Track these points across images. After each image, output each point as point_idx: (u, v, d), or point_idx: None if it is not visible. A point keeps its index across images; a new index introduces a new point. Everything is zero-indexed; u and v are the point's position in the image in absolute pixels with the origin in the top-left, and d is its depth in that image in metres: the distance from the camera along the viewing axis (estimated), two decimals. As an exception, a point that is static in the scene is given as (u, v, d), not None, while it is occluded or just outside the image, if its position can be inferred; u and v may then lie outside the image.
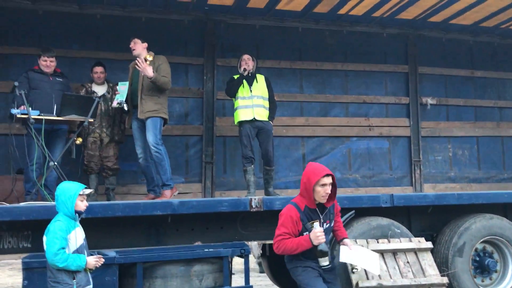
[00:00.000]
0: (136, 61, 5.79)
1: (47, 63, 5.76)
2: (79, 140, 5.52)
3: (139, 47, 5.96)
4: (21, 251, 4.53)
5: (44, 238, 3.65)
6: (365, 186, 7.62)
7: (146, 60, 5.82)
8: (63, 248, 3.55)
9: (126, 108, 5.80)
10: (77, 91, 6.03)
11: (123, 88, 5.86)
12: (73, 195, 3.66)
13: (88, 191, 3.77)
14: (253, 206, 4.78)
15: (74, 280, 3.57)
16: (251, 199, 4.79)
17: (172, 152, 6.96)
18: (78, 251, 3.64)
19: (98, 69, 6.17)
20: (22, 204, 4.56)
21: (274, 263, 6.81)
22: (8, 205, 4.41)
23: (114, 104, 5.83)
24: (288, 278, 6.73)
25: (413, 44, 8.06)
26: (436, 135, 8.06)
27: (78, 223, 3.74)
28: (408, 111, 7.96)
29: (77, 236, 3.68)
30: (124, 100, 5.79)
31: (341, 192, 7.17)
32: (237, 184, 7.19)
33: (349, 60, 7.84)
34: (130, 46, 6.00)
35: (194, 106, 7.19)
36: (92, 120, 5.38)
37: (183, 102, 7.15)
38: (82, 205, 3.72)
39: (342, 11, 7.22)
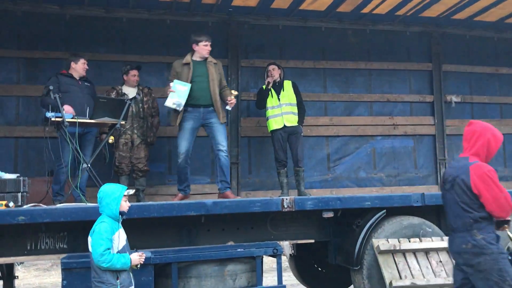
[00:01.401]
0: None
1: (85, 66, 5.88)
2: (111, 139, 5.60)
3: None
4: (57, 251, 4.60)
5: (89, 239, 3.71)
6: (390, 185, 7.60)
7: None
8: (109, 248, 3.61)
9: (179, 109, 5.75)
10: (108, 93, 6.11)
11: (181, 89, 5.72)
12: (119, 196, 3.73)
13: (131, 192, 3.85)
14: (285, 206, 4.80)
15: (118, 280, 3.64)
16: (283, 199, 4.82)
17: (198, 153, 7.02)
18: (120, 252, 3.71)
19: (135, 72, 6.25)
20: (59, 205, 4.63)
21: (301, 262, 6.83)
22: (46, 206, 4.49)
23: (169, 104, 5.71)
24: (314, 277, 6.83)
25: (437, 42, 8.01)
26: (461, 133, 7.89)
27: (120, 224, 3.80)
28: (433, 109, 7.92)
29: (120, 237, 3.75)
30: (183, 103, 5.73)
31: (366, 192, 7.26)
32: (262, 184, 7.23)
33: (373, 59, 7.82)
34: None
35: (219, 107, 7.22)
36: (123, 122, 5.44)
37: (207, 103, 7.19)
38: (126, 206, 3.80)
39: (366, 10, 7.20)
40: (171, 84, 5.76)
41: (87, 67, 5.89)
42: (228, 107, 5.99)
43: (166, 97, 6.87)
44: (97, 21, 6.80)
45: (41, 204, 4.63)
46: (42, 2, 6.49)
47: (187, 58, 5.96)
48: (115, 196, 3.73)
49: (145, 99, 6.26)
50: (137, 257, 3.77)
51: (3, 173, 4.66)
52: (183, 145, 5.86)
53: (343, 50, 7.70)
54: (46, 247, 4.59)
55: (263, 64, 7.37)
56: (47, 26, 6.65)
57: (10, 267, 5.71)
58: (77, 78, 5.82)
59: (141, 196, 6.12)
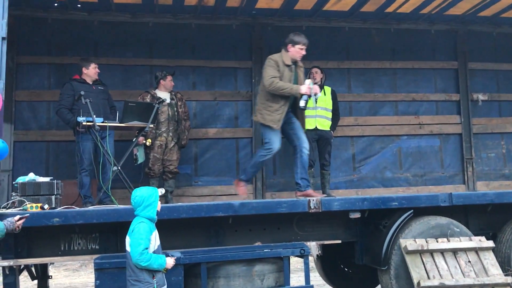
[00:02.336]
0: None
1: (97, 70, 6.00)
2: (148, 142, 5.71)
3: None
4: (89, 252, 4.73)
5: (128, 239, 3.81)
6: (417, 185, 7.55)
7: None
8: (147, 248, 3.71)
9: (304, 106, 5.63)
10: (143, 97, 6.24)
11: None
12: (156, 199, 3.84)
13: (163, 191, 3.97)
14: (312, 207, 4.82)
15: (154, 279, 3.74)
16: (309, 200, 4.84)
17: (223, 154, 7.14)
18: (156, 252, 3.80)
19: (171, 77, 6.42)
20: (91, 207, 4.77)
21: (327, 263, 6.84)
22: (79, 208, 4.62)
23: (302, 104, 5.56)
24: (341, 278, 6.82)
25: (462, 39, 7.92)
26: (489, 131, 7.90)
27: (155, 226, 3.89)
28: (459, 108, 7.84)
29: (156, 238, 3.85)
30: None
31: (392, 192, 7.22)
32: (287, 185, 7.26)
33: (397, 58, 7.79)
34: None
35: (243, 109, 7.31)
36: (152, 125, 5.56)
37: (232, 105, 7.29)
38: (159, 207, 3.90)
39: (390, 9, 7.18)
40: (307, 81, 5.57)
41: (98, 71, 6.01)
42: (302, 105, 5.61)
43: (195, 101, 7.03)
44: (124, 26, 6.96)
45: (74, 206, 4.77)
46: (71, 9, 6.67)
47: (285, 59, 5.61)
48: (153, 200, 3.84)
49: (179, 103, 6.39)
50: (171, 261, 3.86)
51: (37, 177, 4.81)
52: (278, 143, 5.66)
53: (367, 50, 7.69)
54: (79, 248, 4.72)
55: (287, 65, 7.42)
56: (76, 33, 6.83)
57: (44, 267, 5.87)
58: (90, 83, 5.94)
59: (169, 197, 6.24)
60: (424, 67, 7.83)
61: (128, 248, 3.77)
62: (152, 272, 3.74)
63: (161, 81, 6.37)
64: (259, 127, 7.18)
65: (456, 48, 7.93)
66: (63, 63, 6.79)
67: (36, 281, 5.82)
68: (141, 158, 5.70)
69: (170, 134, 6.28)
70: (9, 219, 3.72)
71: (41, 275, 5.82)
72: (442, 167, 7.72)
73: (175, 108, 6.35)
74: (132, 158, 5.71)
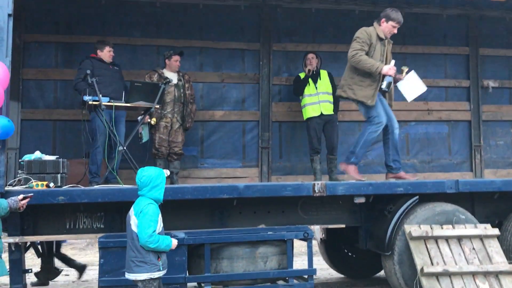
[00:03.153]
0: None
1: (111, 53, 6.01)
2: (153, 121, 5.71)
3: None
4: (94, 231, 4.79)
5: (134, 219, 3.75)
6: (423, 171, 7.50)
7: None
8: (155, 230, 3.70)
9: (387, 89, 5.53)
10: (150, 76, 6.21)
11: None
12: (164, 180, 3.83)
13: (168, 172, 3.96)
14: (316, 191, 4.82)
15: (159, 261, 3.74)
16: (314, 183, 4.85)
17: (229, 137, 7.12)
18: (160, 234, 3.79)
19: (178, 57, 6.35)
20: (97, 186, 4.79)
21: (331, 247, 6.86)
22: (84, 187, 4.65)
23: (384, 86, 5.45)
24: (344, 262, 6.84)
25: (474, 25, 7.77)
26: (498, 119, 7.80)
27: None
28: (469, 94, 7.73)
29: (160, 219, 3.84)
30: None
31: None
32: (293, 169, 7.24)
33: (407, 42, 7.64)
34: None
35: (251, 92, 7.25)
36: (158, 106, 5.54)
37: (239, 87, 7.22)
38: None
39: (400, -8, 7.06)
40: (393, 61, 5.49)
41: (112, 54, 6.01)
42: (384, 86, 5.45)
43: (202, 82, 6.98)
44: (131, 5, 6.87)
45: (79, 185, 4.79)
46: (78, -13, 6.61)
47: (379, 33, 5.49)
48: (161, 181, 3.82)
49: (186, 85, 6.35)
50: (175, 242, 3.87)
51: (43, 155, 4.83)
52: (384, 115, 5.54)
53: (377, 34, 7.56)
54: (84, 227, 4.77)
55: (296, 48, 7.36)
56: (84, 11, 6.76)
57: (50, 245, 5.94)
58: (108, 63, 5.95)
59: (174, 178, 6.24)
60: (435, 52, 7.71)
61: (134, 228, 3.73)
62: (158, 253, 3.74)
63: (166, 60, 6.34)
64: (266, 110, 7.17)
65: (467, 33, 7.79)
66: (70, 42, 6.74)
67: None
68: (145, 137, 5.69)
69: (175, 115, 6.25)
70: (13, 198, 3.74)
71: (47, 253, 5.90)
72: (449, 154, 7.65)
73: (182, 90, 6.30)
74: (137, 137, 5.70)
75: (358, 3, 7.39)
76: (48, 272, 5.98)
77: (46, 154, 5.00)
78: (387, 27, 5.48)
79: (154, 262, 3.73)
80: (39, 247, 5.89)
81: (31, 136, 6.50)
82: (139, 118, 5.69)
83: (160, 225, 3.82)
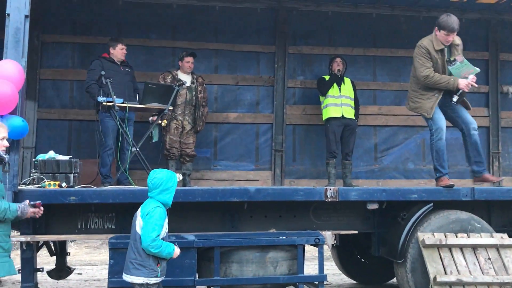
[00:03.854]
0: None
1: (124, 51, 5.99)
2: (164, 122, 5.73)
3: None
4: (106, 231, 4.80)
5: (140, 220, 3.72)
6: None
7: None
8: (159, 235, 3.65)
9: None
10: (164, 77, 6.22)
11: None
12: (175, 184, 3.79)
13: (181, 177, 3.92)
14: (328, 196, 4.77)
15: (159, 267, 3.68)
16: (326, 189, 4.79)
17: (243, 139, 7.10)
18: (163, 239, 3.75)
19: (190, 59, 6.33)
20: (108, 187, 4.81)
21: (344, 253, 6.79)
22: (96, 188, 4.67)
23: (455, 100, 5.29)
24: (356, 268, 6.77)
25: (494, 29, 7.63)
26: (517, 125, 7.64)
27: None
28: (487, 100, 7.59)
29: (166, 224, 3.81)
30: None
31: (414, 184, 7.08)
32: (306, 172, 7.20)
33: (425, 46, 7.55)
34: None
35: (265, 94, 7.23)
36: (171, 108, 5.54)
37: (254, 90, 7.21)
38: None
39: (419, -4, 6.96)
40: (471, 76, 5.23)
41: (125, 52, 5.99)
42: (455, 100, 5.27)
43: (216, 84, 6.97)
44: (148, 7, 6.91)
45: (91, 186, 4.81)
46: (96, -11, 6.67)
47: (436, 44, 5.21)
48: (172, 184, 3.77)
49: (199, 88, 6.34)
50: (178, 251, 3.81)
51: (56, 155, 4.86)
52: (441, 119, 5.37)
53: (394, 38, 7.48)
54: (95, 227, 4.79)
55: (311, 51, 7.33)
56: (101, 12, 6.83)
57: (62, 244, 5.98)
58: (118, 63, 5.94)
59: (187, 180, 6.25)
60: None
61: (138, 230, 3.71)
62: (158, 259, 3.69)
63: (179, 62, 6.35)
64: (280, 112, 7.14)
65: (487, 38, 7.66)
66: (87, 43, 6.80)
67: (54, 257, 5.94)
68: (155, 137, 5.70)
69: (186, 117, 6.24)
70: (25, 205, 3.66)
71: (60, 251, 5.94)
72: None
73: (194, 93, 6.29)
74: (149, 138, 5.72)
75: (375, 6, 7.31)
76: (60, 271, 6.01)
77: (61, 154, 5.05)
78: (441, 36, 5.17)
79: (153, 268, 3.67)
80: (52, 245, 5.93)
81: (47, 136, 6.58)
82: (150, 119, 5.71)
83: (165, 230, 3.78)
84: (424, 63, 5.21)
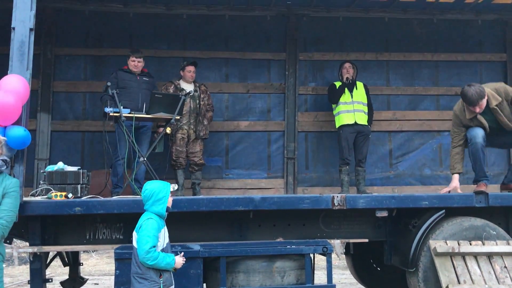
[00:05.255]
0: None
1: (135, 63, 6.04)
2: (168, 130, 5.76)
3: None
4: (114, 242, 4.79)
5: (135, 235, 3.72)
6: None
7: None
8: (154, 246, 3.60)
9: None
10: (166, 87, 6.27)
11: None
12: (167, 195, 3.73)
13: (175, 187, 3.88)
14: (336, 204, 4.67)
15: (161, 279, 3.63)
16: (333, 196, 4.69)
17: (254, 147, 7.08)
18: (164, 250, 3.71)
19: (191, 68, 6.34)
20: (114, 197, 4.82)
21: (358, 261, 6.64)
22: (101, 198, 4.68)
23: None
24: (372, 277, 6.61)
25: (512, 30, 7.44)
26: (538, 128, 7.37)
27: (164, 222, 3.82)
28: (507, 103, 7.37)
29: (165, 235, 3.76)
30: None
31: (431, 190, 6.91)
32: (320, 180, 7.12)
33: (440, 50, 7.41)
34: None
35: (276, 102, 7.20)
36: (178, 117, 5.55)
37: (265, 97, 7.19)
38: (170, 202, 3.81)
39: (432, -2, 6.82)
40: None
41: (137, 64, 6.03)
42: None
43: (227, 93, 6.96)
44: (158, 18, 6.98)
45: (98, 196, 4.83)
46: (107, 1, 6.76)
47: (469, 112, 5.10)
48: (163, 195, 3.73)
49: (202, 96, 6.35)
50: (181, 260, 3.75)
51: (65, 166, 4.91)
52: (476, 129, 5.17)
53: (407, 41, 7.37)
54: (103, 237, 4.79)
55: (322, 57, 7.27)
56: (112, 24, 6.93)
57: (75, 255, 6.03)
58: (136, 74, 6.00)
59: (197, 189, 6.24)
60: (469, 59, 7.41)
61: (135, 244, 3.69)
62: (160, 271, 3.64)
63: (181, 71, 6.37)
64: (292, 120, 7.08)
65: (505, 39, 7.46)
66: (99, 55, 6.91)
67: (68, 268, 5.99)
68: (159, 148, 5.72)
69: (191, 126, 6.25)
70: None
71: (73, 262, 5.98)
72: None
73: (197, 101, 6.30)
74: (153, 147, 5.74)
75: (387, 11, 7.21)
76: (73, 281, 6.05)
77: (75, 165, 5.08)
78: (466, 107, 5.09)
79: (155, 279, 3.62)
80: (65, 256, 5.98)
81: (61, 147, 6.69)
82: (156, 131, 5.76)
83: (164, 241, 3.74)
84: (453, 133, 5.31)
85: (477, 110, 5.01)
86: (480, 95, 4.93)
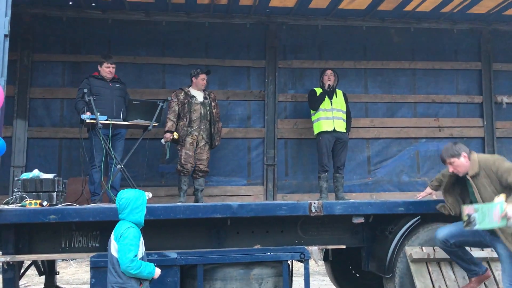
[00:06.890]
0: None
1: (110, 70, 5.97)
2: (175, 135, 5.73)
3: None
4: (90, 250, 4.74)
5: (114, 243, 3.66)
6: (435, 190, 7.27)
7: None
8: (136, 255, 3.58)
9: None
10: (176, 94, 6.21)
11: None
12: (144, 202, 3.71)
13: (150, 195, 3.86)
14: (313, 211, 4.69)
15: (142, 287, 3.62)
16: (310, 203, 4.71)
17: (234, 154, 7.08)
18: (142, 259, 3.68)
19: (205, 76, 6.34)
20: (90, 205, 4.77)
21: (337, 267, 6.67)
22: (77, 206, 4.63)
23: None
24: (350, 283, 6.64)
25: (486, 39, 7.60)
26: (513, 135, 7.55)
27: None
28: (482, 110, 7.53)
29: (142, 244, 3.74)
30: None
31: (409, 196, 6.96)
32: (299, 186, 7.15)
33: (417, 58, 7.54)
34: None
35: (256, 109, 7.22)
36: (156, 124, 5.53)
37: (245, 105, 7.21)
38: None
39: (409, 7, 6.94)
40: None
41: (111, 70, 5.97)
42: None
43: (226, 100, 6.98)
44: (137, 25, 6.97)
45: (74, 204, 4.78)
46: (85, 8, 6.72)
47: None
48: (140, 203, 3.70)
49: (212, 103, 6.34)
50: (158, 271, 3.74)
51: (40, 173, 4.84)
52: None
53: (385, 50, 7.48)
54: (79, 245, 4.74)
55: (301, 65, 7.33)
56: (91, 31, 6.88)
57: (51, 263, 5.94)
58: (108, 80, 5.96)
59: (199, 196, 6.20)
60: (445, 67, 7.55)
61: (114, 253, 3.64)
62: (140, 279, 3.62)
63: (193, 78, 6.33)
64: (271, 127, 7.11)
65: (479, 48, 7.62)
66: (77, 61, 6.86)
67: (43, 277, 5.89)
68: (168, 154, 5.74)
69: (202, 133, 6.21)
70: None
71: (49, 271, 5.89)
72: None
73: (208, 108, 6.27)
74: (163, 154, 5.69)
75: (365, 19, 7.32)
76: (49, 290, 5.96)
77: (52, 172, 5.01)
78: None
79: None
80: (41, 265, 5.89)
81: (38, 154, 6.60)
82: (162, 140, 5.92)
83: (142, 250, 3.71)
84: (440, 174, 4.88)
85: (450, 169, 4.49)
86: (451, 154, 4.40)
